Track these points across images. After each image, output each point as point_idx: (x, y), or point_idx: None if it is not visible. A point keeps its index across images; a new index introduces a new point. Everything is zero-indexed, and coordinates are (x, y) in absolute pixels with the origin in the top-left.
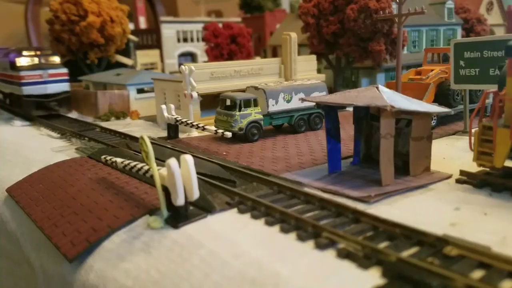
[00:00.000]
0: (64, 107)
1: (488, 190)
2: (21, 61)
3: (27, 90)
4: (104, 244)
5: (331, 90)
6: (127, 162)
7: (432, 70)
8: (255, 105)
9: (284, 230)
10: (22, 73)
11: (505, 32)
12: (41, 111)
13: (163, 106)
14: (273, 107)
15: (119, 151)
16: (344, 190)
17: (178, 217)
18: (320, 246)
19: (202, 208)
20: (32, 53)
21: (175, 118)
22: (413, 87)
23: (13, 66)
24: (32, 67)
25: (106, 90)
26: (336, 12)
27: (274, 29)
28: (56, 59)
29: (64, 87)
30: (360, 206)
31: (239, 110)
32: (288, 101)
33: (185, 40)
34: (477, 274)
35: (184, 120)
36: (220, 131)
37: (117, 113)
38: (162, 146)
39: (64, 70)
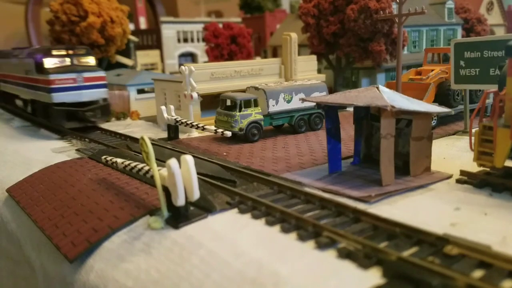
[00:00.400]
0: (103, 117)
1: (489, 190)
2: (50, 62)
3: (58, 97)
4: (104, 244)
5: (331, 90)
6: (127, 162)
7: (432, 70)
8: (256, 105)
9: (285, 230)
10: (52, 77)
11: (505, 32)
12: (74, 123)
13: (163, 107)
14: (273, 108)
15: (120, 152)
16: (345, 190)
17: (178, 217)
18: (320, 246)
19: (202, 208)
20: (63, 52)
21: (175, 119)
22: (413, 87)
23: (40, 68)
24: (64, 70)
25: None
26: (336, 12)
27: (274, 30)
28: (91, 60)
29: (102, 93)
30: (360, 206)
31: (240, 111)
32: (289, 102)
33: (185, 40)
34: (478, 273)
35: (184, 120)
36: (220, 130)
37: (118, 114)
38: (162, 147)
39: (102, 73)
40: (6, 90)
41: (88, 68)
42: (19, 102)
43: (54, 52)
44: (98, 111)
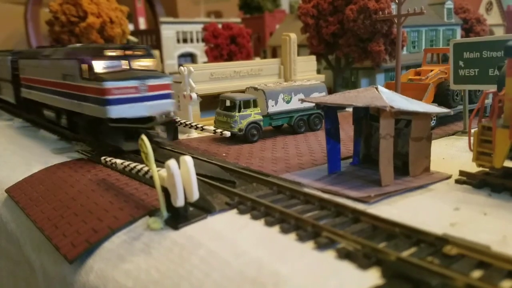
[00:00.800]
0: (169, 137)
1: (488, 190)
2: (102, 66)
3: (116, 111)
4: (104, 245)
5: (330, 91)
6: (127, 163)
7: (431, 71)
8: (255, 105)
9: (284, 230)
10: (108, 85)
11: (504, 32)
12: (133, 144)
13: None
14: (272, 108)
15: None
16: (344, 190)
17: (178, 218)
18: (320, 246)
19: (202, 208)
20: (119, 52)
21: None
22: (412, 88)
23: (88, 72)
24: (123, 76)
25: None
26: (336, 12)
27: (274, 30)
28: (152, 63)
29: (169, 105)
30: (359, 206)
31: (239, 111)
32: (288, 102)
33: (184, 41)
34: (477, 273)
35: (183, 121)
36: (219, 130)
37: None
38: (162, 148)
39: (168, 80)
40: (30, 97)
41: (152, 74)
42: (48, 113)
43: (107, 53)
44: (163, 128)
